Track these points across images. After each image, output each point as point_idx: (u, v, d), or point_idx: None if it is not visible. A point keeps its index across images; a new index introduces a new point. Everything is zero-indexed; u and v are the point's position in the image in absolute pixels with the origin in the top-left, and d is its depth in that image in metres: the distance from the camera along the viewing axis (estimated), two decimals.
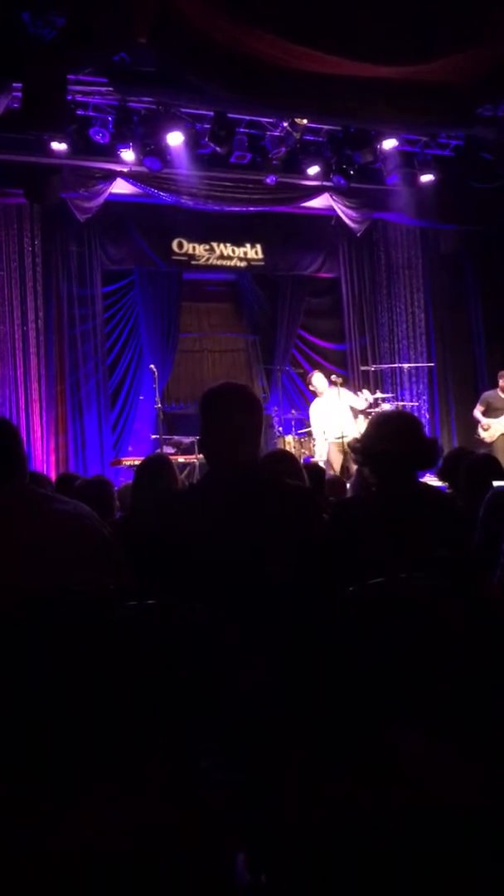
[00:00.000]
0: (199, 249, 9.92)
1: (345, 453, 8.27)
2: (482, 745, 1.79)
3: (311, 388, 8.79)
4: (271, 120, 8.67)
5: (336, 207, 9.78)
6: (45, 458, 8.89)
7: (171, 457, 7.23)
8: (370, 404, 8.79)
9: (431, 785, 1.62)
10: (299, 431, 9.11)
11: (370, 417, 6.36)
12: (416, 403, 10.65)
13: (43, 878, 1.39)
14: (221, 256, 10.05)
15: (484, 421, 8.90)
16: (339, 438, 8.37)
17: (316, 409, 8.70)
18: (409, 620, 2.01)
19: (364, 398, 8.68)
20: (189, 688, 1.78)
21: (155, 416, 8.69)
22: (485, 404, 9.02)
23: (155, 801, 1.61)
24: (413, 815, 1.54)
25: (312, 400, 9.02)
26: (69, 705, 1.71)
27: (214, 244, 9.99)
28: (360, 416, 8.64)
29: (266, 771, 1.75)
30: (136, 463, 6.06)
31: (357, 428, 8.42)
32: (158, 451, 7.99)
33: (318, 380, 8.71)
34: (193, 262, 9.94)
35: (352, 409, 8.66)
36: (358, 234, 10.11)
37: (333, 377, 8.70)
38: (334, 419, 8.48)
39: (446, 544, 2.48)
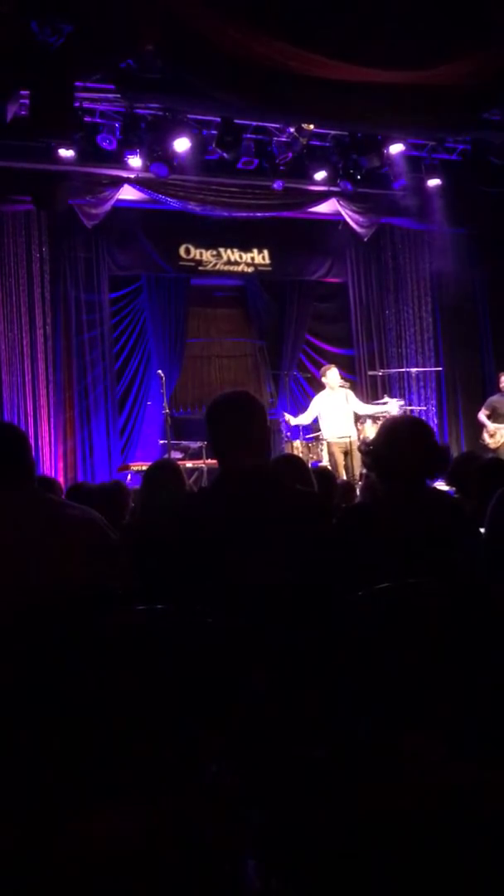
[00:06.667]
0: (207, 255, 9.95)
1: (346, 453, 8.29)
2: (491, 749, 1.79)
3: (324, 378, 8.78)
4: (278, 125, 8.69)
5: (343, 212, 9.78)
6: (53, 464, 8.91)
7: (179, 462, 7.26)
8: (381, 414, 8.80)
9: (441, 788, 1.61)
10: (307, 436, 9.10)
11: (380, 422, 6.36)
12: (424, 408, 10.63)
13: (52, 881, 1.39)
14: (229, 262, 10.07)
15: (491, 426, 8.87)
16: (341, 438, 8.38)
17: (319, 402, 8.67)
18: (418, 625, 2.00)
19: (380, 409, 8.63)
20: (198, 692, 1.77)
21: (163, 422, 8.69)
22: (490, 408, 9.00)
23: (165, 805, 1.61)
24: (421, 819, 1.53)
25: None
26: (77, 709, 1.71)
27: (222, 250, 10.01)
28: (369, 421, 8.63)
29: (275, 775, 1.75)
30: (144, 468, 6.06)
31: (364, 432, 8.44)
32: (166, 456, 8.00)
33: (332, 374, 8.68)
34: (201, 268, 9.96)
35: (356, 414, 8.67)
36: (365, 239, 10.11)
37: (342, 382, 8.72)
38: (338, 419, 8.48)
39: (455, 549, 2.48)
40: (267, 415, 2.44)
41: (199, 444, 8.55)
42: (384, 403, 8.92)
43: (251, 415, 2.32)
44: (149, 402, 9.70)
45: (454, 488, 4.38)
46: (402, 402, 9.29)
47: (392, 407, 8.76)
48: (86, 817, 1.53)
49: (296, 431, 9.27)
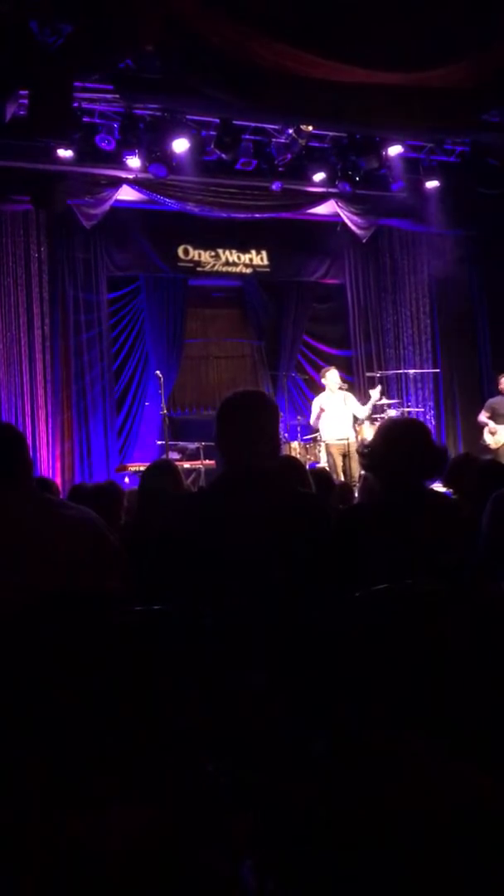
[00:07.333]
0: (205, 256, 9.95)
1: (344, 455, 8.29)
2: (485, 748, 1.79)
3: (323, 380, 8.79)
4: (276, 126, 8.70)
5: (341, 214, 9.79)
6: (50, 464, 8.90)
7: (177, 462, 7.24)
8: (375, 409, 8.77)
9: (436, 787, 1.61)
10: (305, 437, 9.11)
11: (378, 424, 6.35)
12: (422, 409, 10.63)
13: (52, 880, 1.39)
14: (227, 263, 10.07)
15: (491, 424, 8.88)
16: (340, 441, 8.39)
17: (319, 404, 8.68)
18: (417, 625, 2.00)
19: (372, 402, 8.63)
20: (196, 691, 1.77)
21: (160, 422, 8.69)
22: (490, 410, 9.00)
23: (161, 805, 1.60)
24: (421, 819, 1.53)
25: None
26: (75, 708, 1.71)
27: (220, 250, 10.01)
28: (367, 423, 8.64)
29: (274, 774, 1.75)
30: (142, 468, 6.06)
31: (362, 434, 8.45)
32: (164, 456, 7.99)
33: (332, 376, 8.68)
34: (199, 269, 9.96)
35: (354, 416, 8.67)
36: (363, 240, 10.12)
37: (341, 384, 8.72)
38: (336, 421, 8.49)
39: (452, 550, 2.48)
40: (279, 415, 2.43)
41: (196, 444, 8.55)
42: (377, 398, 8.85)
43: (259, 415, 2.31)
44: (147, 403, 9.70)
45: (451, 490, 4.38)
46: (387, 401, 9.21)
47: (375, 395, 8.67)
48: (86, 817, 1.53)
49: (293, 432, 9.28)
